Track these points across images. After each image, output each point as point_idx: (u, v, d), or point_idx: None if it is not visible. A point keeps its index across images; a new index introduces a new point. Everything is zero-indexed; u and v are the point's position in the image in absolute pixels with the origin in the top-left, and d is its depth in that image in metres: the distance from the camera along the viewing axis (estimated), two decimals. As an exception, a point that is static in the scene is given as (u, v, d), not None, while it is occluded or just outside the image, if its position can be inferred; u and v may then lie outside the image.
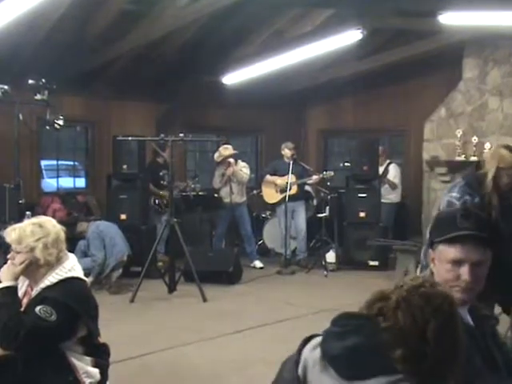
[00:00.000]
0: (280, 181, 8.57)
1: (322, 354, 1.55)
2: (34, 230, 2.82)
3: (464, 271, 1.96)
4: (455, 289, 1.97)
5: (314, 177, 8.50)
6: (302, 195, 8.74)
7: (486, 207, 3.38)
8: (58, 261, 2.85)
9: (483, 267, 2.00)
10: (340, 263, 8.32)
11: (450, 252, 1.98)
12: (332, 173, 8.49)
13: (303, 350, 1.63)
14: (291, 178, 8.40)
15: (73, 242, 6.27)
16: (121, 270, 7.15)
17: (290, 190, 8.34)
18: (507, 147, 3.56)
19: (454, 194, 3.49)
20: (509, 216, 3.48)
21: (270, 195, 8.81)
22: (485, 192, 3.44)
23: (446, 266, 1.99)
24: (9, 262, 2.85)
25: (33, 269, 2.82)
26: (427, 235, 3.62)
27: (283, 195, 8.39)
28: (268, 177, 8.85)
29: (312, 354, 1.58)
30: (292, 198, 8.42)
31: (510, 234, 3.41)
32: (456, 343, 1.55)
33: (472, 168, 3.70)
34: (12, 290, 2.80)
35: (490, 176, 3.43)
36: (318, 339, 1.63)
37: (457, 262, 1.97)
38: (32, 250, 2.79)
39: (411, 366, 1.46)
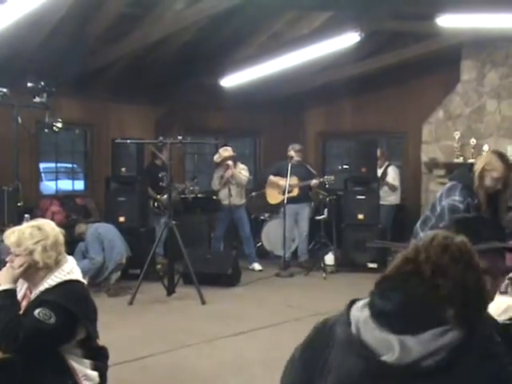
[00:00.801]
0: (282, 182, 8.56)
1: (372, 312, 1.58)
2: (33, 233, 2.82)
3: (489, 283, 1.92)
4: None
5: (314, 181, 8.52)
6: (305, 197, 8.72)
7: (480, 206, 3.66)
8: (57, 263, 2.85)
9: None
10: (339, 265, 8.32)
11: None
12: (332, 177, 8.49)
13: (350, 312, 1.65)
14: (293, 179, 8.47)
15: (72, 244, 6.26)
16: (119, 273, 7.15)
17: (290, 192, 8.39)
18: (496, 152, 3.85)
19: (457, 198, 3.65)
20: (493, 216, 3.69)
21: (273, 196, 8.83)
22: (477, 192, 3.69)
23: None
24: (7, 264, 2.85)
25: (32, 272, 2.82)
26: (420, 234, 3.76)
27: (285, 196, 8.41)
28: (271, 177, 8.85)
29: (361, 313, 1.61)
30: (295, 200, 8.46)
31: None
32: (484, 280, 1.61)
33: (466, 170, 3.78)
34: (11, 292, 2.80)
35: (476, 174, 3.69)
36: (364, 301, 1.67)
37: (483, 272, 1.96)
38: (31, 252, 2.79)
39: (463, 319, 1.52)
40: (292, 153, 8.56)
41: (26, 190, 6.97)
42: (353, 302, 1.70)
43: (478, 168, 3.68)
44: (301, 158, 8.70)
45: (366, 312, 1.61)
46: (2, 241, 2.99)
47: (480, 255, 1.96)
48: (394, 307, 1.54)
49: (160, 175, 7.66)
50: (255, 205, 9.44)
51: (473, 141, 8.61)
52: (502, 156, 3.74)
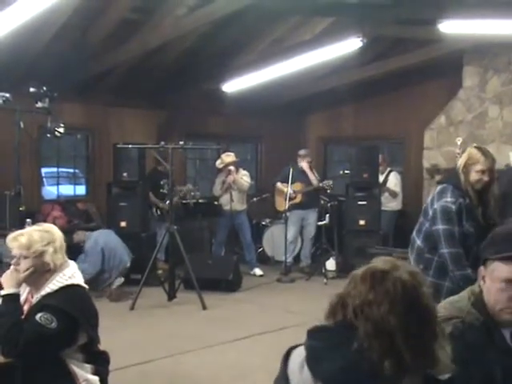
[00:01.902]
0: (286, 189, 8.57)
1: (313, 374, 1.50)
2: (43, 235, 2.82)
3: None
4: (507, 310, 1.91)
5: (313, 182, 8.55)
6: (312, 203, 8.70)
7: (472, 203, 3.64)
8: (59, 267, 2.85)
9: None
10: (340, 271, 8.30)
11: (505, 270, 1.92)
12: (331, 182, 8.50)
13: (288, 370, 1.57)
14: (297, 185, 8.52)
15: (72, 250, 6.25)
16: (123, 279, 7.15)
17: (294, 198, 8.44)
18: (476, 147, 3.81)
19: (449, 199, 3.63)
20: (484, 215, 3.68)
21: (279, 203, 8.84)
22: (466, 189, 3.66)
23: (499, 285, 1.93)
24: (11, 267, 2.84)
25: (37, 275, 2.82)
26: (417, 242, 3.81)
27: (290, 203, 8.42)
28: (278, 184, 8.86)
29: (302, 375, 1.52)
30: (301, 206, 8.48)
31: (482, 229, 3.59)
32: (424, 313, 1.50)
33: (455, 172, 3.77)
34: (14, 297, 2.80)
35: (460, 169, 3.66)
36: (299, 354, 1.56)
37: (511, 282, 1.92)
38: (41, 254, 2.79)
39: (401, 368, 1.43)
40: (298, 159, 8.63)
41: (28, 194, 6.99)
42: (288, 354, 1.60)
43: (461, 164, 3.67)
44: (307, 163, 8.71)
45: (306, 372, 1.51)
46: (2, 245, 2.98)
47: (506, 262, 1.92)
48: (338, 371, 1.45)
49: (161, 183, 7.66)
50: (256, 210, 9.44)
51: (475, 147, 8.60)
52: (482, 149, 3.74)
